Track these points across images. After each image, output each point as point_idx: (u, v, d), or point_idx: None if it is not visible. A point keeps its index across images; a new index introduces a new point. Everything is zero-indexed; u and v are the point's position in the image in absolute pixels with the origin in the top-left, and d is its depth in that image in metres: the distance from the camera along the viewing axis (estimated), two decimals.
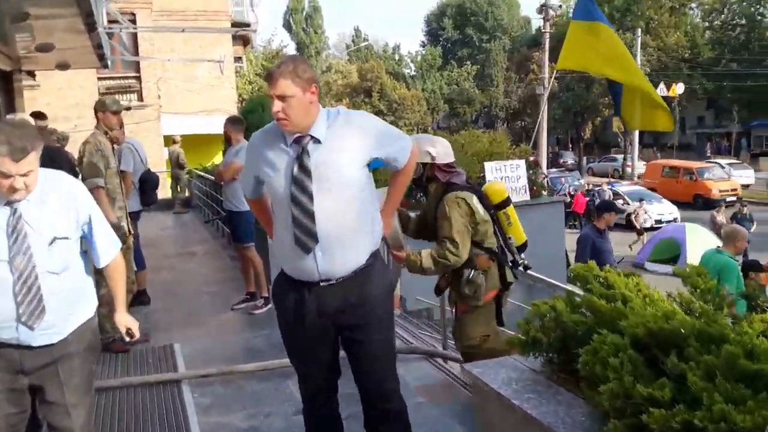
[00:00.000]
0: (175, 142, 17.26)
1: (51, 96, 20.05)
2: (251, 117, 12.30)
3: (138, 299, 6.64)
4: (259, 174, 2.80)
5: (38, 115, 6.90)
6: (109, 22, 11.87)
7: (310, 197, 2.61)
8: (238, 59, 29.08)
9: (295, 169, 2.64)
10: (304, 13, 46.58)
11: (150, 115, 21.40)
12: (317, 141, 2.66)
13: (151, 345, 5.58)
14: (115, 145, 5.57)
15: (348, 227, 2.67)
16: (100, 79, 20.76)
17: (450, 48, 54.53)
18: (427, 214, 4.08)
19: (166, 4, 23.42)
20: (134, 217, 6.56)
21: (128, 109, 5.83)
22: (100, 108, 5.42)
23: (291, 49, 49.46)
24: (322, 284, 2.71)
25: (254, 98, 12.96)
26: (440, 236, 3.87)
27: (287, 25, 46.64)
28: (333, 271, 2.69)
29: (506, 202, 4.11)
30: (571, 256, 11.67)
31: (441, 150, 3.98)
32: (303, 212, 2.62)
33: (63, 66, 11.46)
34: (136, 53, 20.48)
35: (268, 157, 2.73)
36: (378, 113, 39.71)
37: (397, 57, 52.41)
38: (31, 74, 14.18)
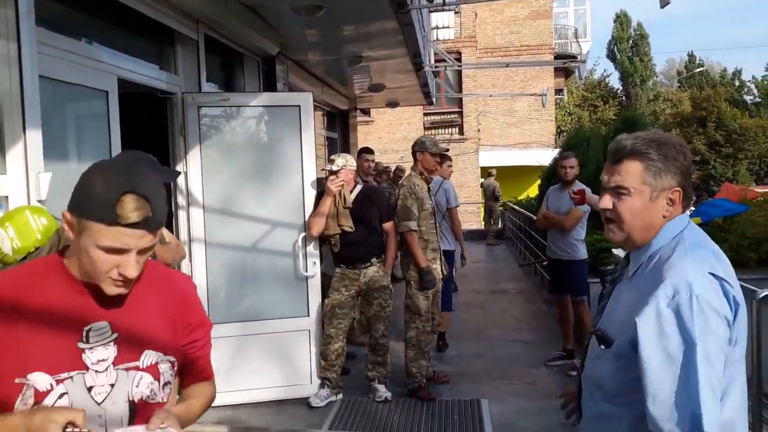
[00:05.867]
0: (490, 175, 17.33)
1: (382, 131, 21.83)
2: (575, 153, 11.67)
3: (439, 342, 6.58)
4: None
5: (366, 151, 7.01)
6: (437, 61, 12.30)
7: None
8: (559, 91, 28.72)
9: None
10: (630, 42, 44.25)
11: (469, 148, 22.10)
12: None
13: (458, 399, 5.24)
14: (430, 186, 5.41)
15: None
16: (425, 114, 22.08)
17: None
18: None
19: (489, 42, 24.20)
20: (449, 256, 6.40)
21: (447, 150, 5.61)
22: (419, 148, 5.25)
23: (614, 78, 47.58)
24: None
25: (579, 132, 12.26)
26: None
27: (611, 56, 44.79)
28: None
29: None
30: None
31: None
32: None
33: (392, 104, 12.21)
34: (460, 90, 21.33)
35: None
36: (713, 144, 35.97)
37: (737, 83, 46.84)
38: (366, 112, 15.43)
